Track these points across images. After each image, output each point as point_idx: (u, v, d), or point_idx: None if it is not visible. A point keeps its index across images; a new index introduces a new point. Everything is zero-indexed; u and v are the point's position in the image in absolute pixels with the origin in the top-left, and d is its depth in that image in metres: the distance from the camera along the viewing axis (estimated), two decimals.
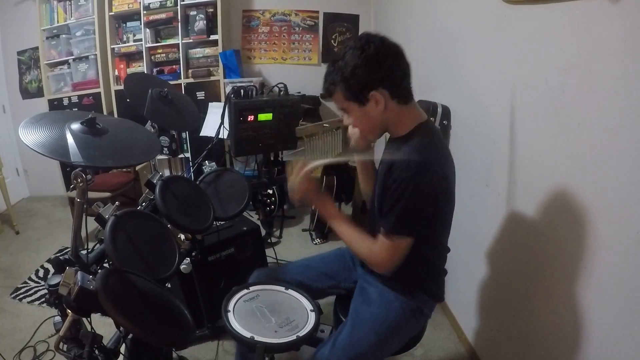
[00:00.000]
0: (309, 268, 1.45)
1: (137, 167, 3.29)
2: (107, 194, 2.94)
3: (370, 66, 1.03)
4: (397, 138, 1.16)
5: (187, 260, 1.51)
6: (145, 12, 3.37)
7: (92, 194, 2.81)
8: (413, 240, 1.09)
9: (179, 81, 3.45)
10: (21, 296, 2.38)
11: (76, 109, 3.53)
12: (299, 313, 1.22)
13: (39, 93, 3.70)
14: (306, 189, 1.23)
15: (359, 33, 3.67)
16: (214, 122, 2.88)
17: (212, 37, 3.39)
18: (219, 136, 2.68)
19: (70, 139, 1.02)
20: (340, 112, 1.18)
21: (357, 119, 1.12)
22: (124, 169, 3.27)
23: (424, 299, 1.26)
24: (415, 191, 1.03)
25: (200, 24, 3.37)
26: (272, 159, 2.87)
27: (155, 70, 3.51)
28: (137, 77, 2.55)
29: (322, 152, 3.27)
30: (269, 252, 2.32)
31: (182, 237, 1.56)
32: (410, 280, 1.24)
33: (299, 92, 3.56)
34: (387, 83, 1.05)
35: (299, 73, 3.76)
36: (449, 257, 1.34)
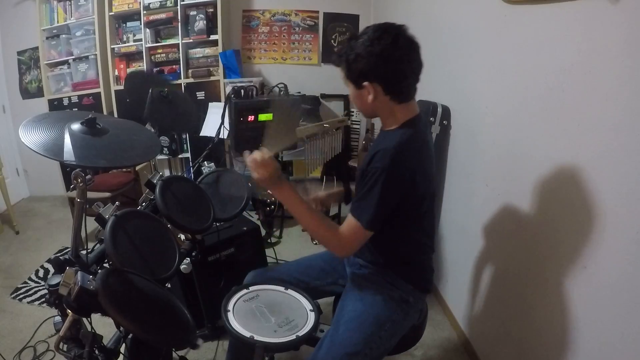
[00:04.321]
0: (308, 266, 1.46)
1: (137, 167, 3.29)
2: (107, 194, 2.93)
3: (371, 60, 1.06)
4: (386, 131, 1.20)
5: (187, 260, 1.51)
6: (145, 12, 3.37)
7: (92, 194, 2.81)
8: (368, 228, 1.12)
9: (179, 81, 3.45)
10: (21, 296, 2.38)
11: (76, 109, 3.53)
12: (298, 313, 1.22)
13: (39, 93, 3.70)
14: (262, 171, 1.13)
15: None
16: (214, 122, 2.88)
17: (212, 37, 3.39)
18: (219, 136, 2.68)
19: (67, 139, 1.02)
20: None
21: (352, 95, 1.19)
22: (124, 169, 3.27)
23: (408, 288, 1.24)
24: (386, 181, 1.06)
25: (200, 24, 3.37)
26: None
27: (155, 70, 3.51)
28: (138, 77, 2.55)
29: (322, 152, 3.26)
30: (269, 252, 2.32)
31: (182, 237, 1.56)
32: (390, 270, 1.25)
33: (299, 92, 3.56)
34: (381, 80, 1.09)
35: (299, 73, 3.76)
36: (448, 256, 1.34)
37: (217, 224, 1.66)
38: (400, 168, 1.08)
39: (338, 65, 1.16)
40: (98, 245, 1.22)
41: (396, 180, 1.08)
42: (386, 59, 1.06)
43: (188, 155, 3.56)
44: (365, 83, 1.10)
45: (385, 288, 1.24)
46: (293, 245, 2.96)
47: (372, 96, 1.12)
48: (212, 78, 3.45)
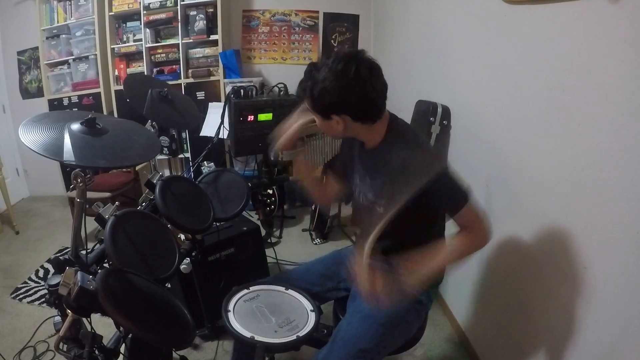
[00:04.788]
0: (309, 272, 1.45)
1: (137, 167, 3.29)
2: (107, 194, 2.93)
3: (337, 94, 1.06)
4: (373, 149, 1.22)
5: (187, 260, 1.51)
6: (145, 12, 3.37)
7: (92, 194, 2.81)
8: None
9: (179, 81, 3.45)
10: (21, 296, 2.38)
11: (76, 109, 3.53)
12: (299, 313, 1.22)
13: (39, 93, 3.69)
14: (379, 289, 1.08)
15: (358, 33, 3.70)
16: (214, 122, 2.88)
17: (212, 37, 3.39)
18: (219, 136, 2.68)
19: (67, 139, 1.02)
20: None
21: (319, 125, 1.19)
22: (124, 169, 3.27)
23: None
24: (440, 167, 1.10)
25: (200, 24, 3.37)
26: (272, 159, 2.87)
27: (155, 70, 3.51)
28: (137, 78, 2.55)
29: (322, 152, 3.28)
30: (269, 252, 2.32)
31: (182, 237, 1.56)
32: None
33: None
34: (349, 111, 1.10)
35: (299, 73, 3.71)
36: None
37: (217, 224, 1.66)
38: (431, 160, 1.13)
39: (302, 98, 1.16)
40: (98, 245, 1.22)
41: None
42: (351, 90, 1.06)
43: (188, 155, 3.56)
44: (333, 115, 1.11)
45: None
46: (293, 245, 2.96)
47: (341, 126, 1.13)
48: (212, 78, 3.45)
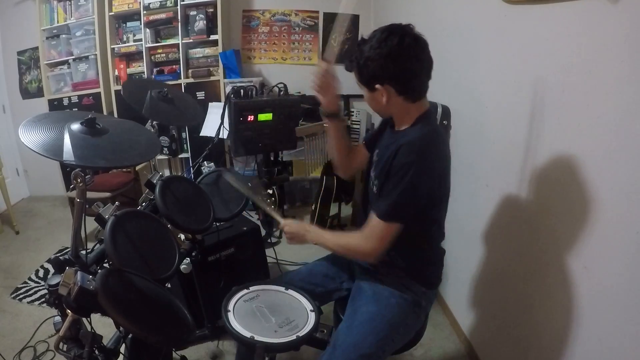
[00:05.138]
0: (311, 274, 1.45)
1: (137, 167, 3.29)
2: (107, 194, 2.93)
3: (381, 63, 1.07)
4: (400, 130, 1.21)
5: (187, 260, 1.51)
6: (145, 12, 3.37)
7: (92, 194, 2.81)
8: (402, 227, 1.12)
9: (179, 81, 3.45)
10: (21, 296, 2.38)
11: (76, 109, 3.53)
12: (298, 313, 1.22)
13: (39, 93, 3.70)
14: (293, 235, 1.35)
15: (358, 35, 3.69)
16: (214, 122, 2.88)
17: (212, 37, 3.39)
18: (219, 136, 2.68)
19: (67, 139, 1.02)
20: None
21: (366, 98, 1.20)
22: (124, 169, 3.27)
23: (420, 291, 1.26)
24: (416, 175, 1.07)
25: (200, 24, 3.37)
26: (272, 159, 2.87)
27: (155, 70, 3.51)
28: (136, 82, 2.55)
29: (322, 152, 3.27)
30: (269, 252, 2.32)
31: (182, 237, 1.55)
32: (404, 273, 1.25)
33: (299, 92, 3.56)
34: (393, 82, 1.10)
35: (299, 73, 3.76)
36: (448, 256, 1.34)
37: (217, 224, 1.66)
38: (428, 159, 1.10)
39: (350, 70, 1.18)
40: (98, 245, 1.22)
41: (425, 173, 1.09)
42: (395, 59, 1.07)
43: (188, 155, 3.56)
44: (378, 86, 1.11)
45: (399, 290, 1.25)
46: (293, 245, 2.94)
47: (385, 98, 1.13)
48: (212, 78, 3.45)
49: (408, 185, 1.08)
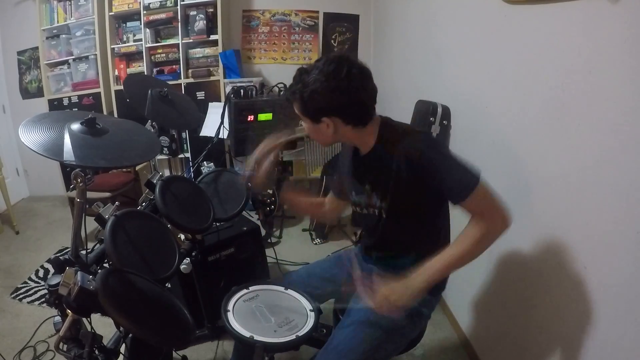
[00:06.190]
0: (310, 276, 1.44)
1: (137, 167, 3.29)
2: (107, 194, 2.93)
3: (327, 96, 1.06)
4: (370, 151, 1.18)
5: (187, 260, 1.51)
6: (145, 12, 3.37)
7: (92, 194, 2.81)
8: (485, 182, 1.04)
9: (179, 81, 3.45)
10: (21, 296, 2.38)
11: (76, 109, 3.53)
12: (298, 313, 1.22)
13: (39, 93, 3.69)
14: (392, 304, 1.05)
15: (358, 35, 3.70)
16: (214, 122, 2.88)
17: (212, 37, 3.39)
18: (219, 136, 2.68)
19: (67, 139, 1.02)
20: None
21: (309, 129, 1.18)
22: (124, 169, 3.27)
23: (425, 299, 1.22)
24: (444, 152, 1.10)
25: (200, 24, 3.37)
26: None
27: (155, 70, 3.51)
28: (137, 79, 2.55)
29: (321, 152, 3.27)
30: (269, 252, 2.32)
31: (182, 237, 1.56)
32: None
33: None
34: (340, 113, 1.10)
35: None
36: None
37: (217, 224, 1.66)
38: (438, 142, 1.16)
39: (292, 102, 1.14)
40: (98, 245, 1.22)
41: (446, 150, 1.12)
42: (343, 92, 1.05)
43: (188, 155, 3.56)
44: (324, 118, 1.10)
45: None
46: (293, 245, 2.96)
47: (332, 129, 1.12)
48: (212, 78, 3.45)
49: (451, 158, 1.07)
